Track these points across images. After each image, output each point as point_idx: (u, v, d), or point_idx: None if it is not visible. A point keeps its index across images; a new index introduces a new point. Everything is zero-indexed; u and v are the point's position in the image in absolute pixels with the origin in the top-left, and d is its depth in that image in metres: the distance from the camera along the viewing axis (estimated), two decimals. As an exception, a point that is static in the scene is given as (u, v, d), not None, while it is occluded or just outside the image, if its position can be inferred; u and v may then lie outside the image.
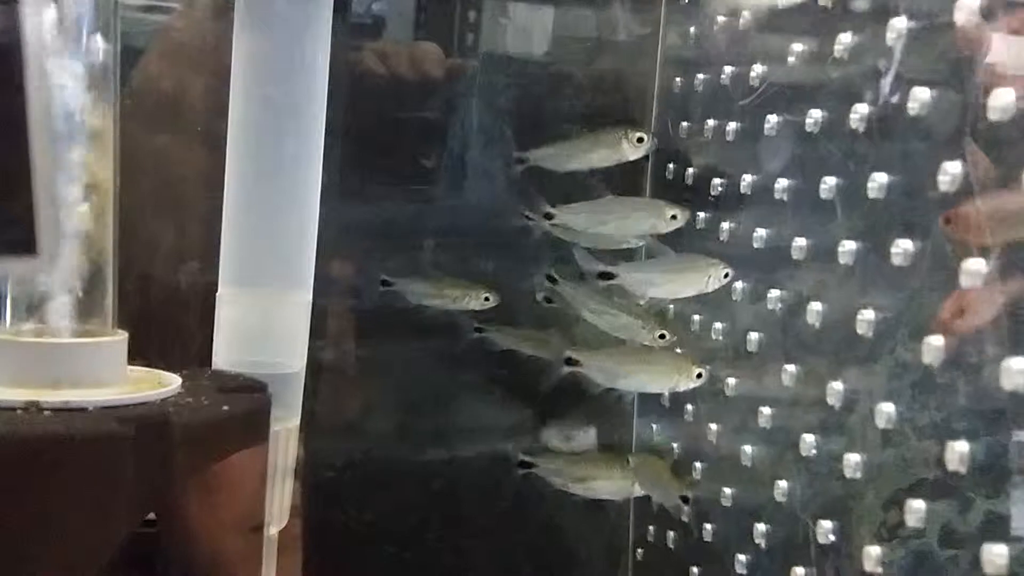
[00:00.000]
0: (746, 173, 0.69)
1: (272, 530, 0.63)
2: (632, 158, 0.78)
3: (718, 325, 0.73)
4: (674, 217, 0.74)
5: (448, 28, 0.85)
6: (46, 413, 0.48)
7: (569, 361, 0.77)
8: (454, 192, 0.86)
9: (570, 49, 0.88)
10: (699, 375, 0.73)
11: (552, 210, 0.78)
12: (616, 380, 0.77)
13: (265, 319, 0.64)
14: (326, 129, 0.76)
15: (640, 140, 0.76)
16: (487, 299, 0.80)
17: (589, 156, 0.78)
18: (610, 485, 0.82)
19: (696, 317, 0.76)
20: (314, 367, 0.84)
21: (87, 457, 0.46)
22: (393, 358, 0.88)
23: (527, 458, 0.84)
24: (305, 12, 0.64)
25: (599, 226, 0.77)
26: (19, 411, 0.48)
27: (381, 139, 0.84)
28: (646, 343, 0.76)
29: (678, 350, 0.77)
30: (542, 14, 0.87)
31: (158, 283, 0.78)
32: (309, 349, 0.71)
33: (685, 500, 0.76)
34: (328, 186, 0.76)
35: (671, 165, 0.81)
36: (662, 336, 0.76)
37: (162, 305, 0.78)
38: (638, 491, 0.81)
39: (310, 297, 0.65)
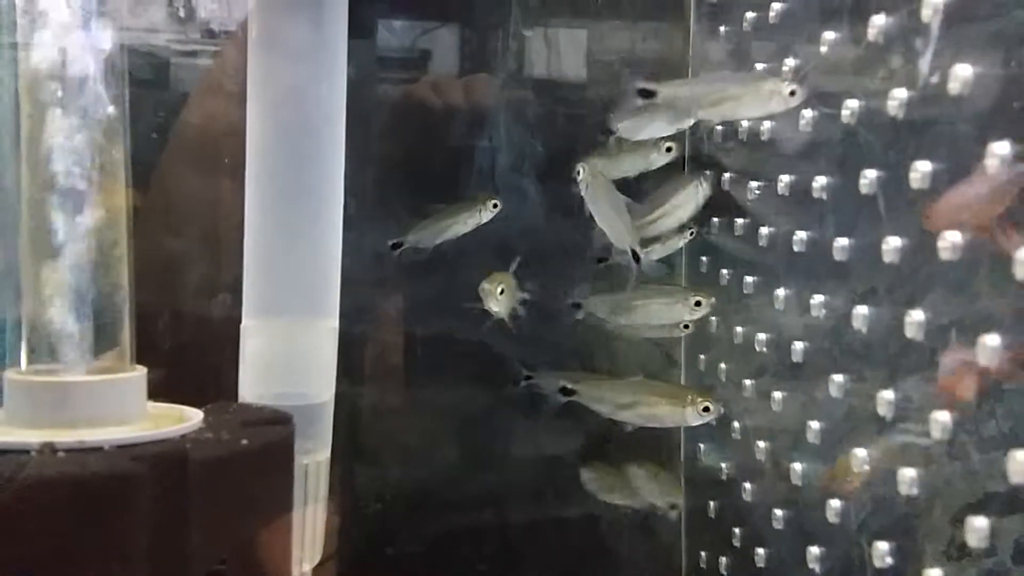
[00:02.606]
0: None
1: (305, 567, 0.61)
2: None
3: (762, 336, 0.69)
4: (698, 304, 0.76)
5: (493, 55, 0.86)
6: (60, 454, 0.46)
7: (565, 391, 0.77)
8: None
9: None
10: (706, 408, 0.73)
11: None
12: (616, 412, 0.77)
13: (290, 349, 0.62)
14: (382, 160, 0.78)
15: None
16: (495, 205, 0.79)
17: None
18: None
19: (739, 329, 0.73)
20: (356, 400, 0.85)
21: (101, 497, 0.45)
22: (439, 391, 0.87)
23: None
24: (318, 36, 0.63)
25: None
26: (33, 453, 0.46)
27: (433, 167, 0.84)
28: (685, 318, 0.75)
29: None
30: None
31: (211, 321, 0.77)
32: (351, 382, 0.69)
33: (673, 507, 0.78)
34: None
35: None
36: (698, 304, 0.75)
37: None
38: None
39: (336, 324, 0.63)
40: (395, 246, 0.81)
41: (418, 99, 0.82)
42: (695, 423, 0.74)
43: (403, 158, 0.85)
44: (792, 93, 0.64)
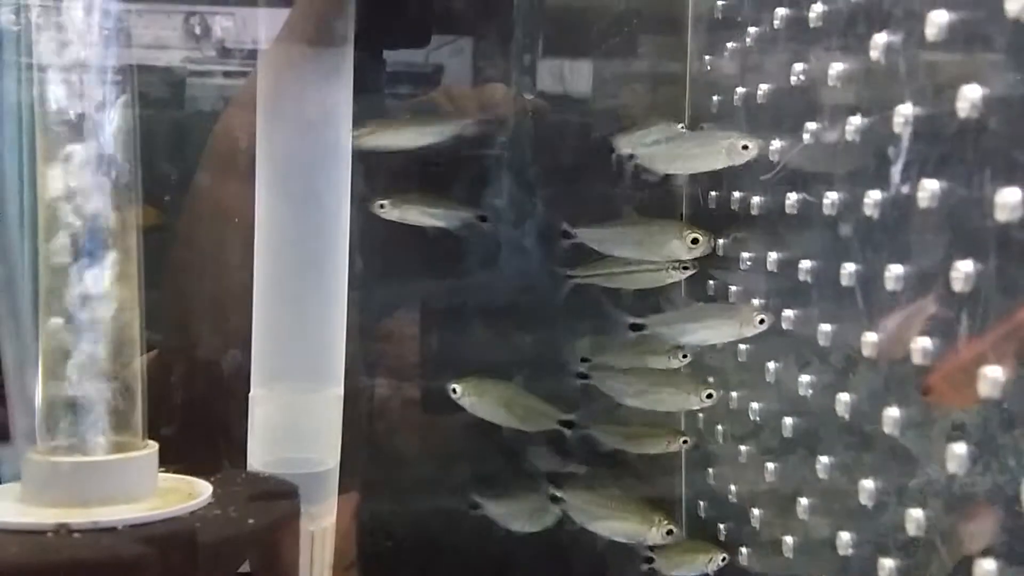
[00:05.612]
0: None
1: (313, 631, 0.62)
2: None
3: (755, 405, 0.71)
4: (695, 241, 0.73)
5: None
6: (75, 535, 0.48)
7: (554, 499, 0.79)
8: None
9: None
10: (669, 532, 0.74)
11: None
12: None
13: (297, 417, 0.64)
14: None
15: (745, 148, 0.70)
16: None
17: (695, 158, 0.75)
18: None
19: (734, 394, 0.74)
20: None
21: (115, 580, 0.47)
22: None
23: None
24: (326, 103, 0.65)
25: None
26: (49, 534, 0.48)
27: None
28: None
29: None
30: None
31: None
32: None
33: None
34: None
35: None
36: (709, 396, 0.75)
37: None
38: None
39: (341, 391, 0.65)
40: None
41: (433, 108, 0.82)
42: (659, 543, 0.75)
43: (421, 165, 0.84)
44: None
